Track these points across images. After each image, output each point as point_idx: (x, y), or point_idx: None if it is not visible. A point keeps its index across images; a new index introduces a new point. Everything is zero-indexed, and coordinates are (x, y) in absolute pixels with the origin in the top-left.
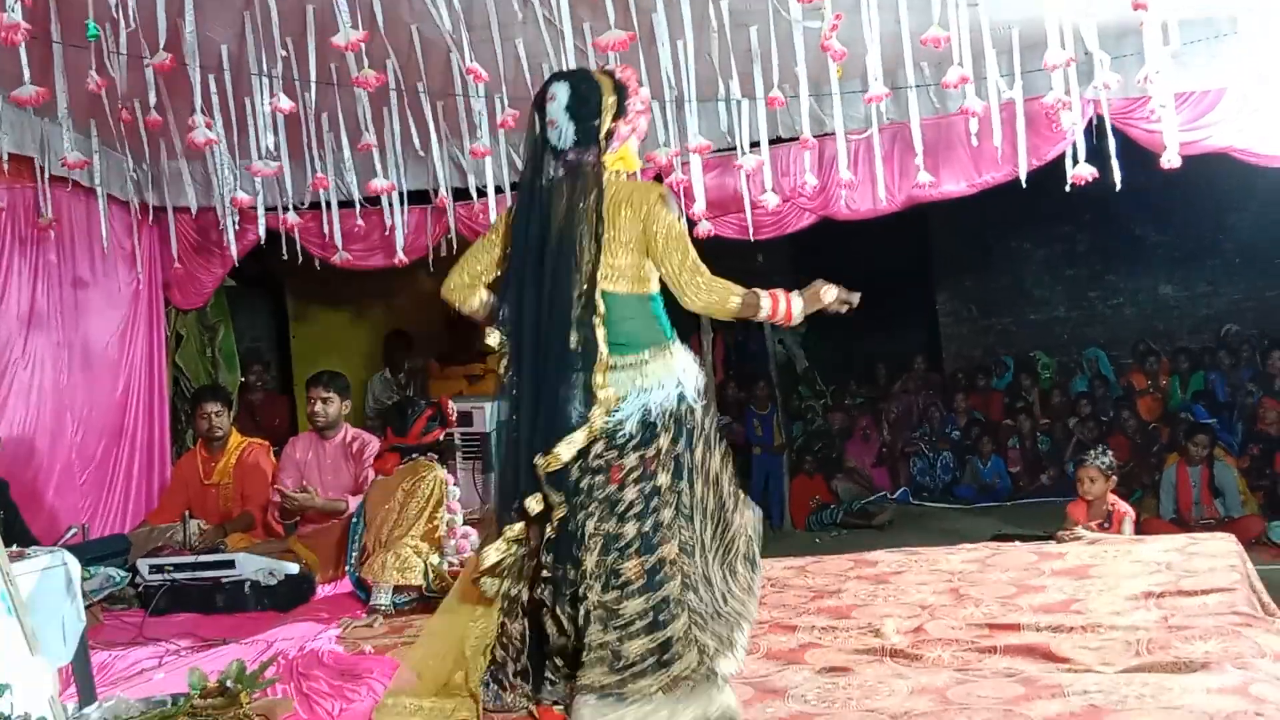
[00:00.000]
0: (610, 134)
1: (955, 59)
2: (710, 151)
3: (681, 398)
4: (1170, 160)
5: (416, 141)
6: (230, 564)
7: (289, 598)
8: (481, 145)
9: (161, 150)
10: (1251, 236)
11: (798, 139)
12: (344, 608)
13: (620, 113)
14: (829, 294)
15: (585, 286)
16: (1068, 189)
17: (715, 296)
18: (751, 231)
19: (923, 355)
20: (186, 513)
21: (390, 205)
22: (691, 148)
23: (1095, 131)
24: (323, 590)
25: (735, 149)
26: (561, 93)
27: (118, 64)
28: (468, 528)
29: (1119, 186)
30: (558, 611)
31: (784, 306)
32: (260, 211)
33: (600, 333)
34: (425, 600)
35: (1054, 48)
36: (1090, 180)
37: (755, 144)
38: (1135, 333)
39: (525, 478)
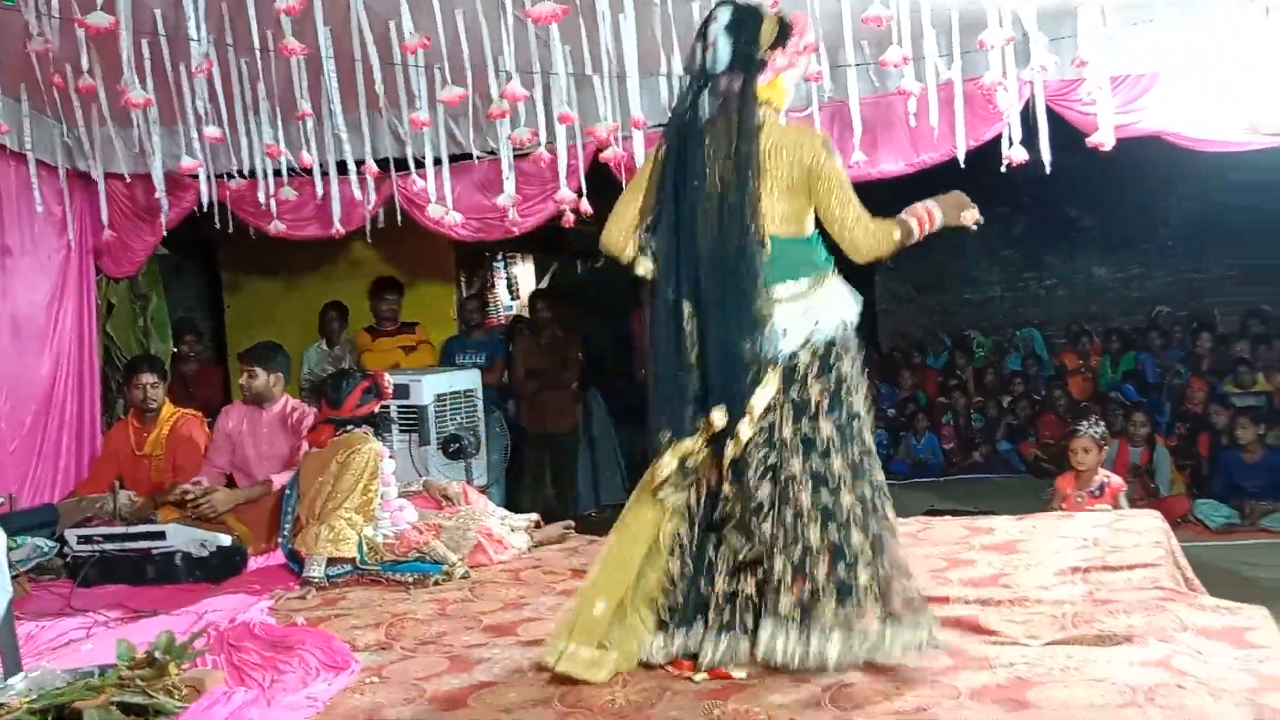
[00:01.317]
0: (764, 63)
1: (895, 39)
2: (650, 126)
3: (846, 325)
4: (1101, 140)
5: (362, 109)
6: (161, 535)
7: (220, 569)
8: (421, 116)
9: (94, 116)
10: (1183, 220)
11: None
12: (276, 580)
13: (778, 44)
14: (969, 215)
15: (750, 227)
16: (1003, 169)
17: (880, 238)
18: None
19: (860, 333)
20: (116, 483)
21: (326, 175)
22: (636, 121)
23: (1032, 113)
24: (255, 562)
25: None
26: (724, 14)
27: (49, 27)
28: (402, 500)
29: (1049, 169)
30: (735, 547)
31: (929, 222)
32: (209, 178)
33: (764, 273)
34: (358, 572)
35: (993, 27)
36: (1025, 162)
37: None
38: (1069, 313)
39: (703, 392)
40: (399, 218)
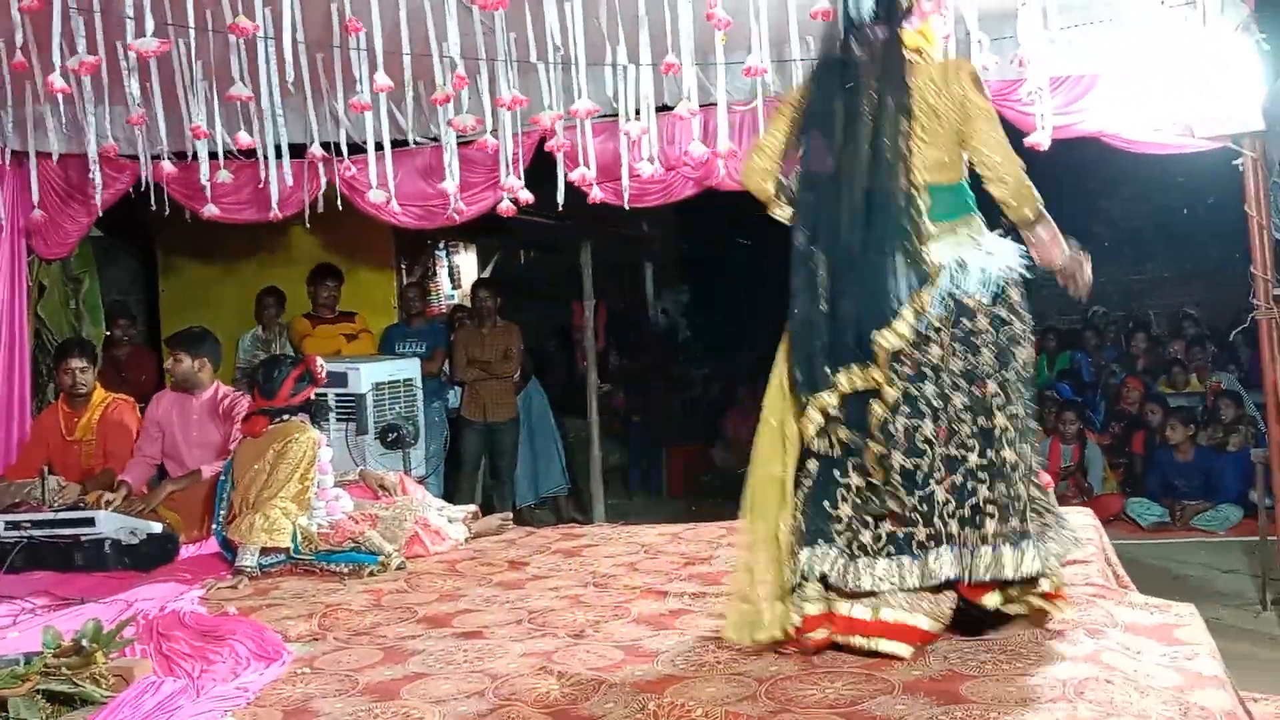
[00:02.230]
0: (910, 8)
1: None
2: (596, 115)
3: (1011, 270)
4: (1037, 140)
5: (307, 91)
6: (90, 522)
7: (151, 557)
8: (362, 99)
9: (27, 94)
10: (1121, 221)
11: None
12: (209, 568)
13: None
14: (1082, 277)
15: (903, 176)
16: None
17: (1023, 190)
18: (627, 198)
19: None
20: (45, 469)
21: (265, 158)
22: (579, 112)
23: None
24: (187, 550)
25: (620, 115)
26: None
27: None
28: (338, 490)
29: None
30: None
31: (1053, 248)
32: (146, 159)
33: (922, 222)
34: (292, 562)
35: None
36: None
37: (639, 111)
38: None
39: (842, 349)
40: (339, 203)
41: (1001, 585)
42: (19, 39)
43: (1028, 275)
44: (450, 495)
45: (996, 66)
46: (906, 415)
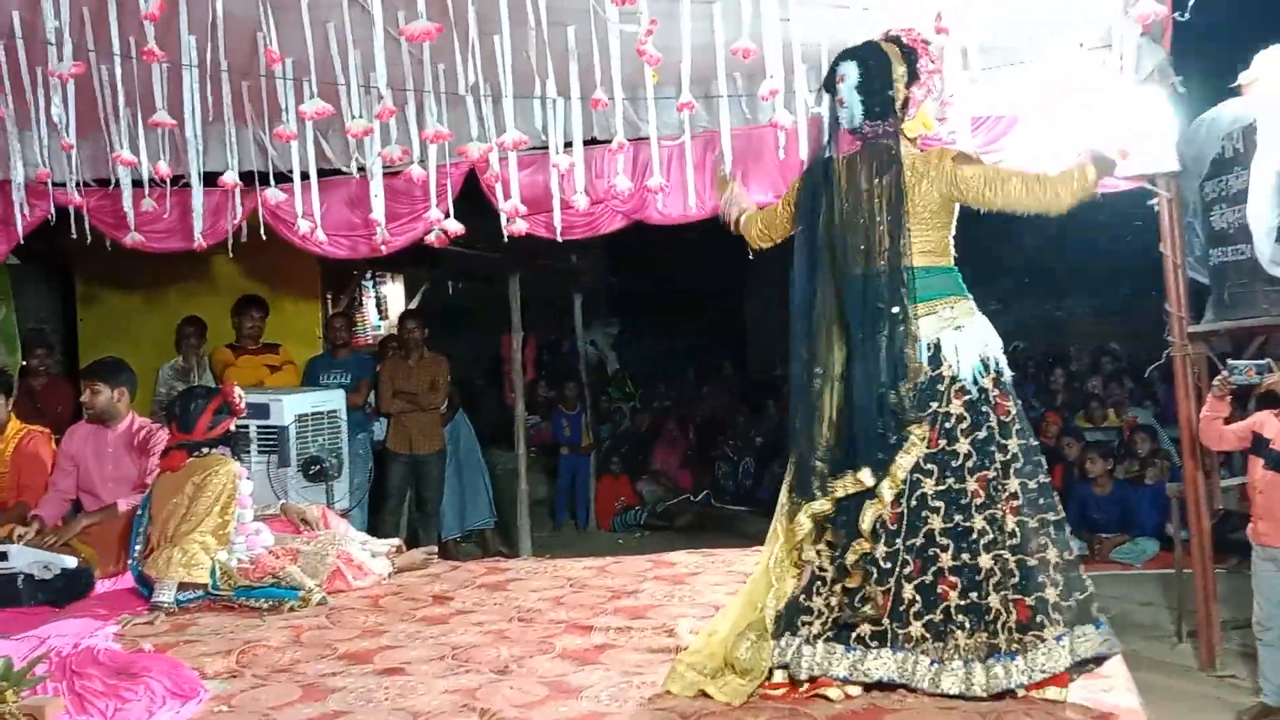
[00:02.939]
0: (906, 101)
1: (767, 72)
2: (525, 148)
3: (995, 358)
4: None
5: (229, 121)
6: (2, 556)
7: (65, 592)
8: (287, 129)
9: None
10: (1040, 260)
11: (611, 141)
12: (124, 604)
13: (913, 78)
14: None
15: (893, 261)
16: None
17: (1060, 198)
18: (559, 232)
19: (730, 360)
20: None
21: (188, 187)
22: (506, 144)
23: None
24: (102, 585)
25: (549, 148)
26: (851, 72)
27: None
28: (258, 524)
29: None
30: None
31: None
32: (77, 185)
33: (910, 307)
34: (210, 597)
35: None
36: None
37: (569, 144)
38: None
39: (851, 448)
40: (263, 232)
41: None
42: None
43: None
44: (374, 529)
45: None
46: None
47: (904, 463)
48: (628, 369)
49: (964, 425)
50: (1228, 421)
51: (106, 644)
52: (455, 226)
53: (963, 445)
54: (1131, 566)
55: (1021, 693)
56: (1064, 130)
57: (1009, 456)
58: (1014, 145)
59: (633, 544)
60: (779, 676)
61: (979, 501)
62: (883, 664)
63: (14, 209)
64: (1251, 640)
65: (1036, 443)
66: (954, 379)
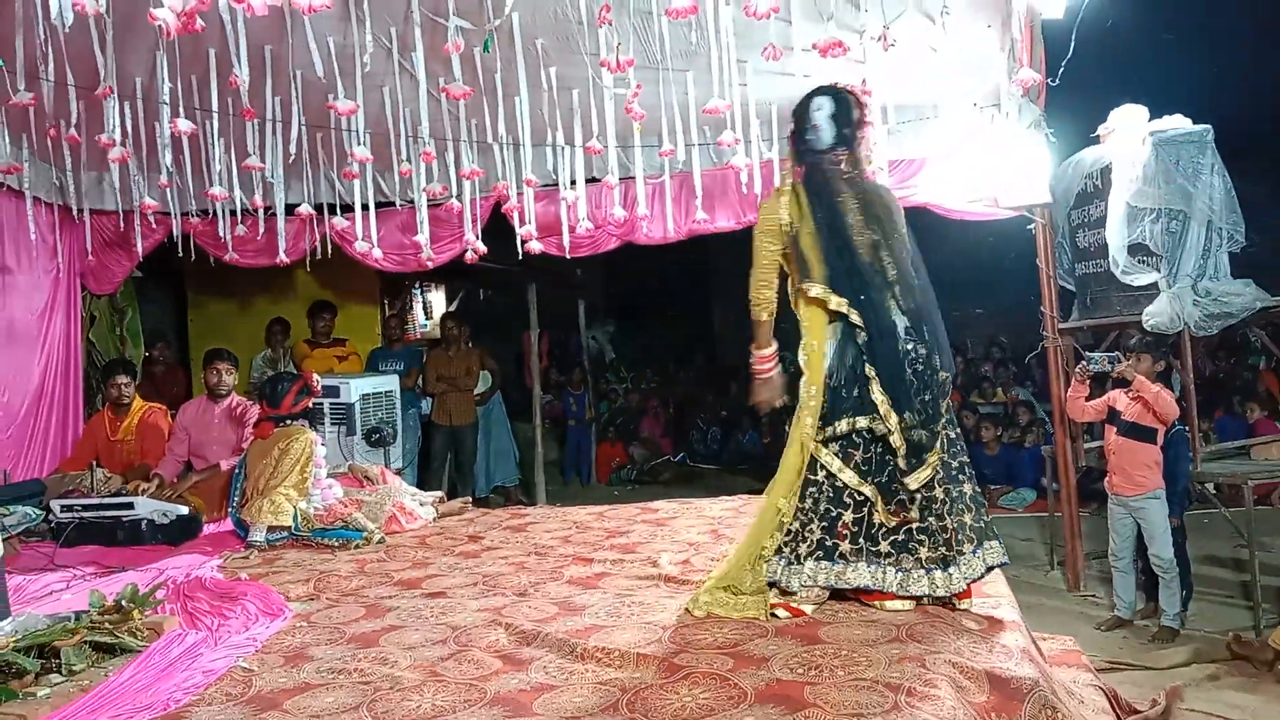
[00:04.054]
0: (860, 139)
1: (729, 125)
2: (538, 185)
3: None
4: None
5: (306, 164)
6: (130, 505)
7: (179, 534)
8: (351, 169)
9: (82, 160)
10: (943, 272)
11: (606, 179)
12: (225, 543)
13: (861, 121)
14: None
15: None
16: None
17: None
18: (568, 250)
19: (702, 352)
20: (94, 463)
21: (274, 215)
22: (532, 182)
23: None
24: (208, 529)
25: (559, 184)
26: (827, 104)
27: (45, 89)
28: (331, 479)
29: None
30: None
31: (763, 360)
32: (175, 215)
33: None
34: (293, 538)
35: None
36: None
37: (574, 182)
38: None
39: (934, 407)
40: (331, 251)
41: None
42: (74, 117)
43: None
44: (422, 484)
45: None
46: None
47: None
48: (622, 358)
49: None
50: (1088, 399)
51: (212, 574)
52: (482, 248)
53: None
54: (1014, 511)
55: (951, 597)
56: (963, 170)
57: (948, 412)
58: (923, 182)
59: (625, 495)
60: (774, 596)
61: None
62: (859, 574)
63: (135, 234)
64: (1107, 568)
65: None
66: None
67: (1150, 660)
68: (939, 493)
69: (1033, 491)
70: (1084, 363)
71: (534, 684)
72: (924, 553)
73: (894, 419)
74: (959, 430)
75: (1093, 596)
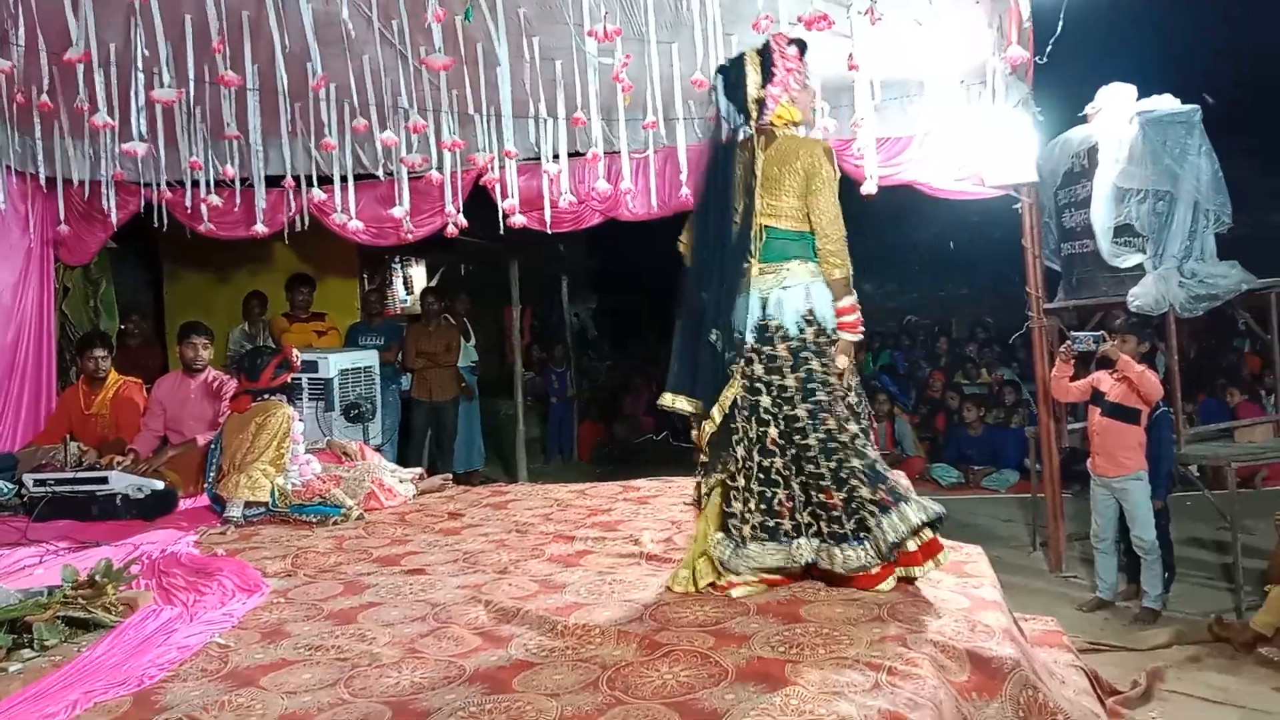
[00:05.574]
0: (762, 102)
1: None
2: (519, 158)
3: (812, 310)
4: (868, 189)
5: (284, 134)
6: (104, 480)
7: (154, 509)
8: (330, 140)
9: (55, 128)
10: (928, 251)
11: (589, 153)
12: (202, 519)
13: (768, 79)
14: (843, 361)
15: (742, 223)
16: None
17: (840, 253)
18: (549, 225)
19: None
20: (67, 436)
21: (251, 186)
22: (505, 153)
23: None
24: (184, 504)
25: (541, 158)
26: (719, 82)
27: (15, 55)
28: (309, 455)
29: None
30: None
31: (851, 319)
32: (151, 185)
33: (755, 260)
34: (271, 513)
35: None
36: None
37: (556, 155)
38: None
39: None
40: (306, 222)
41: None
42: (44, 83)
43: (829, 328)
44: (402, 460)
45: (836, 127)
46: (753, 422)
47: (728, 395)
48: (604, 335)
49: (789, 364)
50: (1073, 379)
51: (187, 550)
52: (462, 221)
53: (790, 379)
54: (997, 492)
55: (876, 569)
56: (949, 148)
57: (830, 389)
58: (909, 160)
59: (607, 473)
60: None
61: (812, 424)
62: (804, 551)
63: (108, 204)
64: (1089, 549)
65: (855, 380)
66: (779, 327)
67: (1132, 641)
68: (825, 467)
69: (1016, 472)
70: (1069, 342)
71: (514, 661)
72: (823, 527)
73: None
74: (842, 393)
75: (1074, 578)
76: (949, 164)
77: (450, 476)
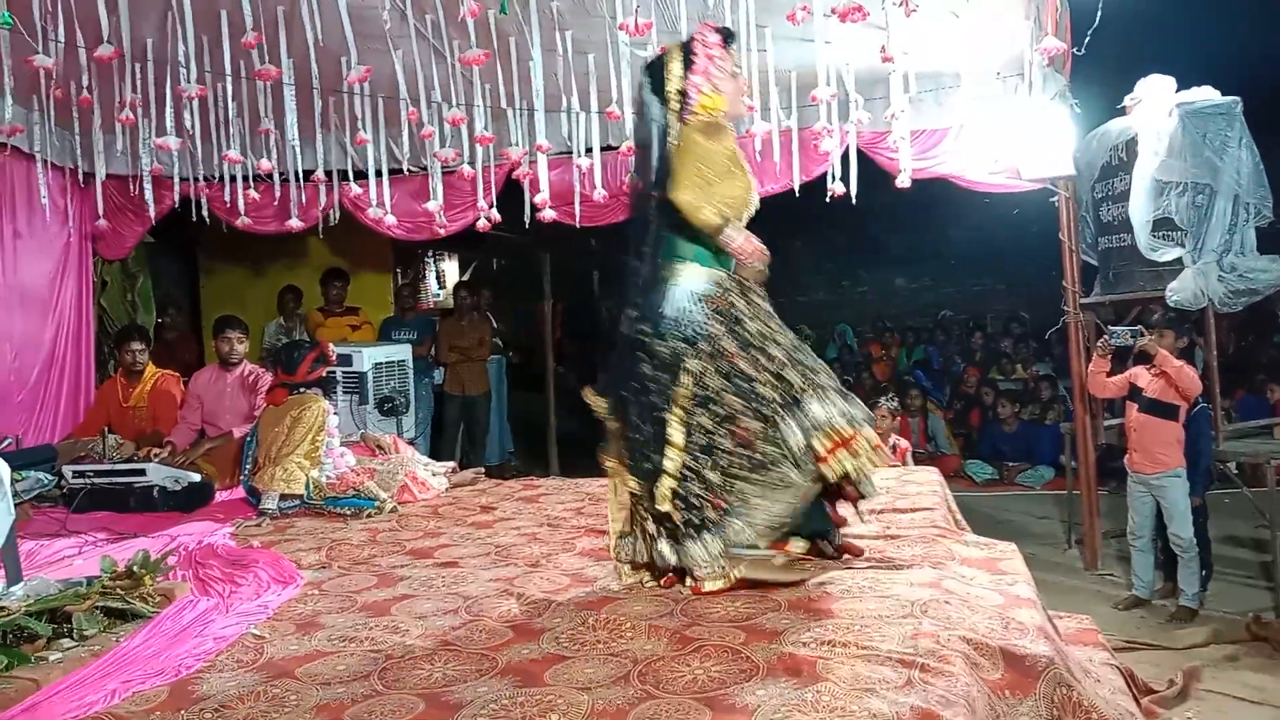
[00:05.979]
0: (684, 94)
1: (746, 93)
2: (551, 152)
3: (686, 307)
4: (903, 182)
5: (319, 129)
6: (142, 472)
7: (191, 501)
8: (363, 135)
9: (93, 123)
10: (963, 245)
11: (622, 146)
12: (238, 511)
13: (687, 69)
14: (756, 268)
15: (653, 224)
16: (827, 199)
17: (696, 209)
18: (578, 220)
19: None
20: (106, 429)
21: (286, 181)
22: (538, 148)
23: (850, 157)
24: (220, 496)
25: (573, 152)
26: (644, 78)
27: (55, 50)
28: (344, 448)
29: (854, 200)
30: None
31: (741, 239)
32: (184, 180)
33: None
34: (306, 506)
35: (821, 87)
36: (844, 194)
37: (589, 150)
38: (875, 313)
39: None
40: (336, 216)
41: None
42: (85, 79)
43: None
44: (434, 453)
45: (869, 120)
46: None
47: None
48: None
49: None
50: (1110, 375)
51: (224, 541)
52: (495, 216)
53: (663, 379)
54: (1032, 488)
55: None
56: (985, 141)
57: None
58: (945, 153)
59: None
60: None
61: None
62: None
63: (146, 198)
64: (1126, 546)
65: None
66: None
67: (1168, 640)
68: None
69: (1051, 469)
70: (1106, 337)
71: (545, 654)
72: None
73: None
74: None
75: (1110, 575)
76: (985, 157)
77: (483, 470)
